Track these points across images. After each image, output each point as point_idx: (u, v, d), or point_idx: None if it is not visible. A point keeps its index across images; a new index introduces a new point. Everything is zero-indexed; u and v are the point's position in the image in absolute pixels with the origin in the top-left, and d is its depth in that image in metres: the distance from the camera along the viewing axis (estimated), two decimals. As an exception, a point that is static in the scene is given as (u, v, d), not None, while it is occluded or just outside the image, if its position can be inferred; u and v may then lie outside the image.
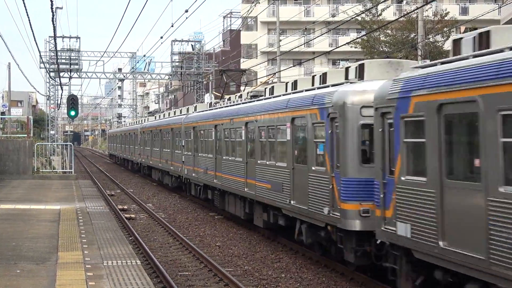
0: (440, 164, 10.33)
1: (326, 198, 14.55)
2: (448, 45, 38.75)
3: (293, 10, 62.53)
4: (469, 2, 63.92)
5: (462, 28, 55.31)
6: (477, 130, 9.45)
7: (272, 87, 21.05)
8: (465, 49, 10.77)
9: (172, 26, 39.73)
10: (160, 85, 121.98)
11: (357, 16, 36.46)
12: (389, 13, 47.65)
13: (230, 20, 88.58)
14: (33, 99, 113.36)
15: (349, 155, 13.77)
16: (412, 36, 37.41)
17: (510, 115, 8.83)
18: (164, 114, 46.38)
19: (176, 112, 41.13)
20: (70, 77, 50.46)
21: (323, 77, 16.47)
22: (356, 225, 13.58)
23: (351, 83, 14.59)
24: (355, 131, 13.70)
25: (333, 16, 56.18)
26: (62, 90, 53.74)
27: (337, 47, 51.02)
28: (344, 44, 41.36)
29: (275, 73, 49.62)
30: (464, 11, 59.78)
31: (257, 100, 21.20)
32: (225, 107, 25.48)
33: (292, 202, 16.73)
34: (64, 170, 38.24)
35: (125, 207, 29.64)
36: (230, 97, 26.85)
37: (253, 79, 66.43)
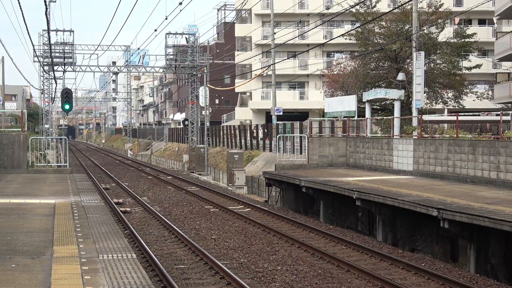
0: None
1: None
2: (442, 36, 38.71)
3: (287, 2, 62.35)
4: (463, -6, 63.75)
5: (457, 20, 55.29)
6: None
7: None
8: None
9: (166, 19, 39.64)
10: (155, 78, 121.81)
11: (351, 8, 36.36)
12: (383, 5, 47.56)
13: (224, 13, 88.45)
14: (27, 93, 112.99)
15: None
16: (406, 27, 37.35)
17: None
18: None
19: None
20: (64, 71, 50.15)
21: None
22: None
23: None
24: None
25: (328, 8, 56.03)
26: (56, 83, 53.57)
27: (331, 39, 50.91)
28: (339, 36, 41.28)
29: (269, 66, 49.53)
30: (459, 2, 59.66)
31: None
32: None
33: None
34: (58, 164, 38.14)
35: (120, 200, 29.62)
36: None
37: (248, 72, 66.38)
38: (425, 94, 34.89)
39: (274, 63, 46.79)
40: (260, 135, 46.54)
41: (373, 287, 13.93)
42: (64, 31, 49.46)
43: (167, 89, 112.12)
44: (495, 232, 15.07)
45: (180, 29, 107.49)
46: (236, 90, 71.22)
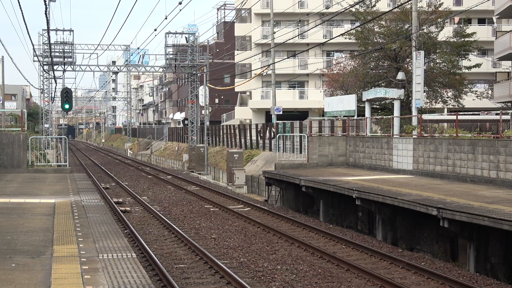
0: None
1: None
2: (442, 36, 38.72)
3: (287, 2, 62.35)
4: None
5: (456, 19, 55.28)
6: None
7: None
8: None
9: (166, 18, 39.65)
10: (154, 78, 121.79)
11: (351, 7, 36.36)
12: (383, 4, 47.56)
13: (224, 12, 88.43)
14: (27, 92, 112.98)
15: None
16: (406, 27, 37.36)
17: None
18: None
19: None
20: (64, 70, 50.15)
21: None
22: None
23: None
24: None
25: (327, 7, 56.04)
26: (56, 83, 53.60)
27: (331, 39, 50.89)
28: (338, 36, 41.26)
29: (269, 65, 49.53)
30: (458, 1, 59.66)
31: None
32: None
33: None
34: (58, 164, 38.14)
35: (120, 200, 29.62)
36: None
37: (247, 71, 66.37)
38: (424, 93, 34.90)
39: (274, 63, 46.78)
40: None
41: (373, 286, 13.94)
42: (64, 30, 49.45)
43: (167, 89, 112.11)
44: (495, 231, 15.08)
45: (180, 29, 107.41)
46: (236, 89, 71.23)
